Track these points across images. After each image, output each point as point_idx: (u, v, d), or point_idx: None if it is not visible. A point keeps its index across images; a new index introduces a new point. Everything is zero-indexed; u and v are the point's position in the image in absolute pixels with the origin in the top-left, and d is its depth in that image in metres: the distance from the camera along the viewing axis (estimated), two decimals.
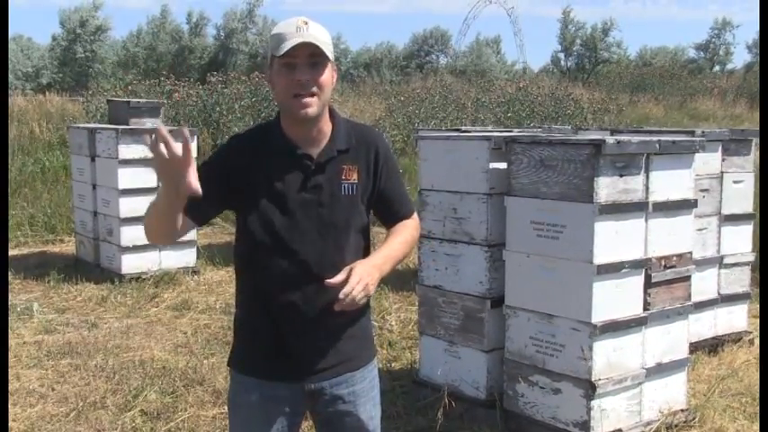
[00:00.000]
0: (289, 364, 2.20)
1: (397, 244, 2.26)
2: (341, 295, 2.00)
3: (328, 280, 2.04)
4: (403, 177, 2.37)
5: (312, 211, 2.14)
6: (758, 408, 4.31)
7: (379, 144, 2.25)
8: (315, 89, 2.07)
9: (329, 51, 2.10)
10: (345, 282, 2.03)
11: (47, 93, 19.32)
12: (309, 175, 2.14)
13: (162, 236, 2.17)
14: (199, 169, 1.95)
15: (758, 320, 5.97)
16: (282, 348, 2.19)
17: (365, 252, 2.25)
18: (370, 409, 2.31)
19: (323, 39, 2.09)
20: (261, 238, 2.15)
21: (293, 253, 2.14)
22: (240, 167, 2.13)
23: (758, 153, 5.84)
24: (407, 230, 2.33)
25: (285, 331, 2.18)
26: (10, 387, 4.65)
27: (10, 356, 5.19)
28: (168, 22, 35.12)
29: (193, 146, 7.71)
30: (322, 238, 2.15)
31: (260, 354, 2.22)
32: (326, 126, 2.17)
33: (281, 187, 2.13)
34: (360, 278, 2.03)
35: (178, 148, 1.81)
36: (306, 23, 2.08)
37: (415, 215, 2.40)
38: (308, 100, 2.07)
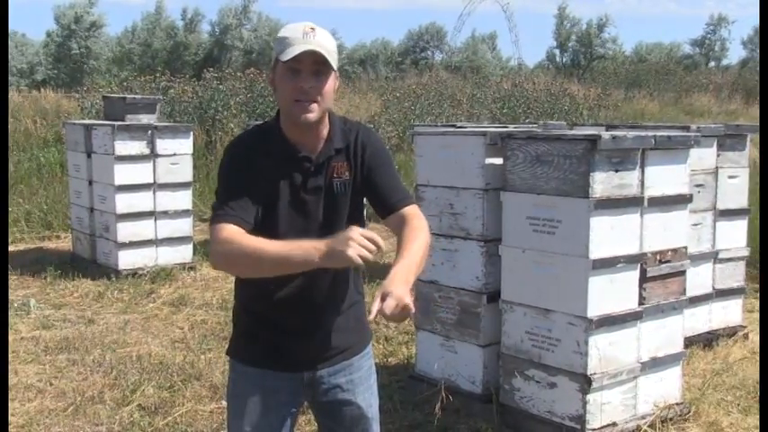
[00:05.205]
0: (287, 356, 2.24)
1: (417, 249, 2.08)
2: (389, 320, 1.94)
3: (371, 317, 1.94)
4: (398, 173, 2.34)
5: (311, 211, 2.19)
6: (752, 401, 4.34)
7: (363, 135, 2.25)
8: (317, 97, 2.10)
9: (334, 60, 2.12)
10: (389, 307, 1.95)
11: (42, 89, 19.25)
12: (308, 176, 2.18)
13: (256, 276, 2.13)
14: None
15: (753, 315, 6.01)
16: (281, 341, 2.24)
17: None
18: (368, 397, 2.35)
19: (328, 47, 2.10)
20: (263, 236, 2.14)
21: None
22: (255, 169, 2.15)
23: (755, 149, 5.85)
24: (421, 234, 2.14)
25: (283, 325, 2.23)
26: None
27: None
28: (163, 18, 35.12)
29: (189, 142, 7.72)
30: (321, 236, 2.15)
31: (259, 346, 2.27)
32: (325, 128, 2.21)
33: (283, 189, 2.16)
34: (397, 302, 1.91)
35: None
36: (313, 29, 2.10)
37: (419, 212, 2.22)
38: (309, 106, 2.10)
